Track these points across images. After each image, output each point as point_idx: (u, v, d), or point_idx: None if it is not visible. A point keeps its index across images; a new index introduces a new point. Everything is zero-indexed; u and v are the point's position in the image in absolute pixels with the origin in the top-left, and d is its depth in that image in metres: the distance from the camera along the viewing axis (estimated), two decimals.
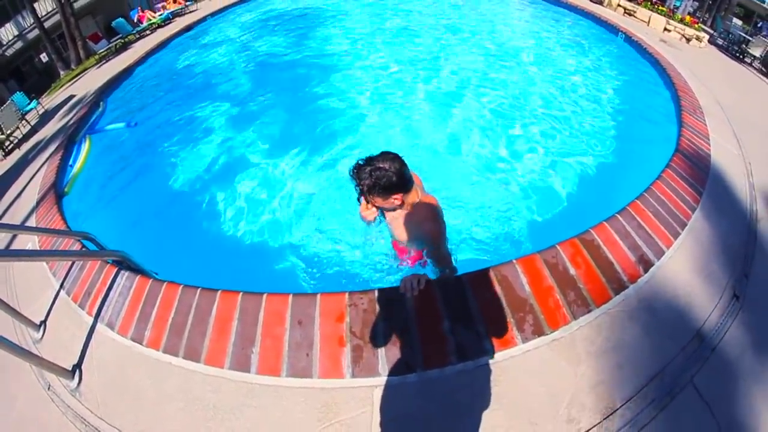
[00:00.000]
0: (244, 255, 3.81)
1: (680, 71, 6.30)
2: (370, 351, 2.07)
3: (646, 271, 2.57)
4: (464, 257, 3.38)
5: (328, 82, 6.85)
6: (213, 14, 13.66)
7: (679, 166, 3.61)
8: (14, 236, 4.53)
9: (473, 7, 10.53)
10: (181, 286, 2.58)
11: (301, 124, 5.76)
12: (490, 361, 2.06)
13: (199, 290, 2.46)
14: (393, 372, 2.01)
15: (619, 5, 9.80)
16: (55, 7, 18.93)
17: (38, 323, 3.27)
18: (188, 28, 12.62)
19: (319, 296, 2.21)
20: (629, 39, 7.66)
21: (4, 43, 23.98)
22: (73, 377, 2.78)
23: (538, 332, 2.16)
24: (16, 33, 24.13)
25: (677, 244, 2.84)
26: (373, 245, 3.28)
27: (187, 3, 17.56)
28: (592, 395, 2.00)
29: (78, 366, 2.81)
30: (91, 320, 2.97)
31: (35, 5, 19.65)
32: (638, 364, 2.14)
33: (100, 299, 3.02)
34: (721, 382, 2.20)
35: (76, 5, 20.42)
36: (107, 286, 3.03)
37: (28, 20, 22.19)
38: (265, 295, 2.27)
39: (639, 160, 4.36)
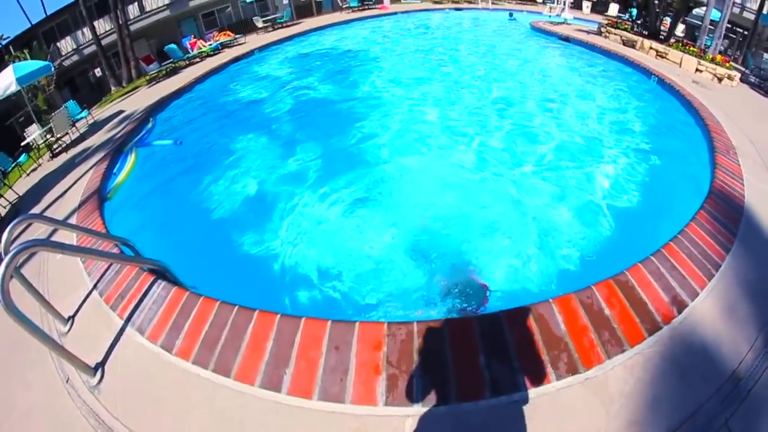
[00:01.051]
0: (281, 278, 3.88)
1: (713, 111, 6.29)
2: (405, 381, 2.07)
3: (680, 312, 2.58)
4: (501, 293, 3.42)
5: (367, 120, 7.11)
6: (260, 48, 14.44)
7: (712, 207, 3.63)
8: (53, 232, 4.70)
9: (509, 53, 11.00)
10: (219, 301, 2.63)
11: (340, 155, 5.97)
12: (524, 398, 2.06)
13: (237, 308, 2.52)
14: (427, 403, 2.01)
15: (651, 48, 9.87)
16: (113, 27, 20.33)
17: (67, 317, 3.34)
18: (235, 60, 13.36)
19: (357, 324, 2.24)
20: (662, 81, 7.77)
21: (63, 54, 25.73)
22: (94, 374, 2.80)
23: (572, 371, 2.17)
24: (74, 46, 25.93)
25: (711, 286, 2.84)
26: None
27: (237, 36, 18.72)
28: None
29: (101, 364, 2.84)
30: (121, 323, 3.02)
31: (95, 23, 21.08)
32: (671, 405, 2.10)
33: (133, 304, 3.08)
34: (757, 426, 2.12)
35: (132, 28, 21.96)
36: (142, 292, 3.10)
37: (87, 36, 23.76)
38: (303, 319, 2.32)
39: (673, 202, 4.41)
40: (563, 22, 13.91)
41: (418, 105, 7.65)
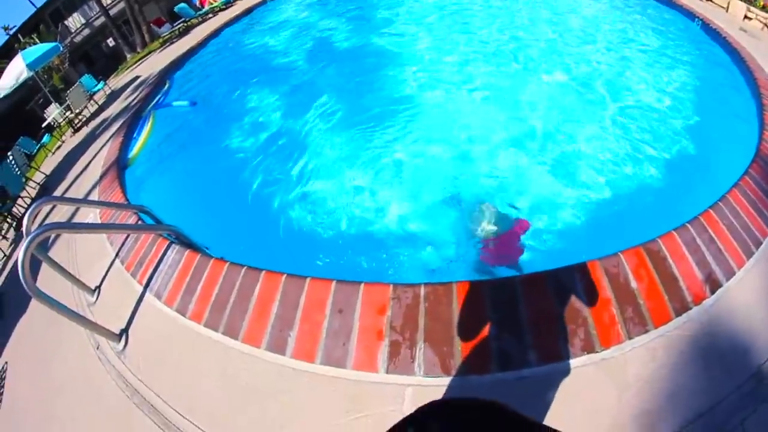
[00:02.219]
0: (296, 237, 3.88)
1: (762, 64, 5.64)
2: (408, 348, 2.03)
3: (712, 292, 2.32)
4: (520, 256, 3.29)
5: (391, 67, 6.75)
6: None
7: (758, 174, 3.21)
8: (76, 210, 4.91)
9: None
10: (228, 263, 2.66)
11: (361, 110, 5.72)
12: (533, 374, 1.97)
13: (244, 269, 2.54)
14: (428, 373, 1.97)
15: None
16: None
17: (93, 288, 3.53)
18: (248, 11, 12.95)
19: (362, 285, 2.20)
20: (706, 26, 6.98)
21: (73, 30, 25.99)
22: (119, 340, 2.98)
23: (588, 349, 2.03)
24: (84, 21, 26.08)
25: (750, 265, 2.54)
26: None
27: None
28: (634, 425, 1.86)
29: (125, 330, 3.00)
30: (140, 289, 3.16)
31: None
32: (688, 397, 1.95)
33: (150, 270, 3.20)
34: None
35: None
36: (158, 258, 3.20)
37: (95, 8, 23.76)
38: (308, 279, 2.30)
39: (714, 164, 3.99)
40: None
41: (444, 47, 7.20)
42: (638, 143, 4.52)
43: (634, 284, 2.23)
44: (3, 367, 4.78)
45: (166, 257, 3.13)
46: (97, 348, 3.28)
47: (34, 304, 4.89)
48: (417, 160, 4.51)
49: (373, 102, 5.73)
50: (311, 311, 2.19)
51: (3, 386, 4.59)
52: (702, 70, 5.87)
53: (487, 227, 3.57)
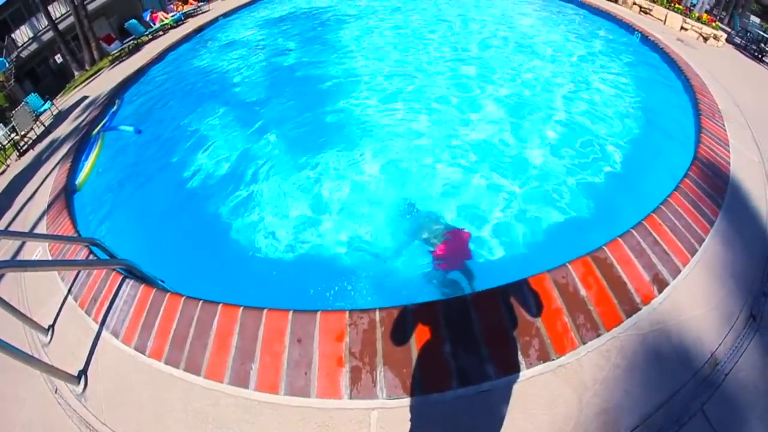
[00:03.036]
0: (249, 265, 3.86)
1: (698, 72, 6.07)
2: (369, 372, 2.07)
3: (660, 291, 2.48)
4: (470, 274, 3.37)
5: (342, 85, 6.87)
6: (225, 15, 13.78)
7: (697, 176, 3.46)
8: (22, 243, 4.67)
9: (482, 3, 10.47)
10: (184, 297, 2.62)
11: (314, 130, 5.79)
12: (493, 387, 2.04)
13: (201, 303, 2.50)
14: (392, 395, 2.01)
15: (634, 3, 9.61)
16: (69, 9, 19.36)
17: (47, 327, 3.36)
18: (200, 30, 12.77)
19: (319, 314, 2.21)
20: (645, 38, 7.48)
21: (19, 45, 24.69)
22: (78, 382, 2.86)
23: (544, 357, 2.12)
24: (31, 35, 24.83)
25: (694, 262, 2.73)
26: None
27: (200, 4, 17.83)
28: (596, 423, 1.96)
29: (84, 372, 2.88)
30: (96, 327, 3.04)
31: (49, 8, 20.05)
32: (647, 391, 2.08)
33: (105, 306, 3.08)
34: (734, 411, 2.13)
35: (89, 6, 20.86)
36: (113, 293, 3.09)
37: (43, 22, 22.70)
38: (265, 311, 2.29)
39: (655, 169, 4.27)
40: None
41: (391, 70, 7.35)
42: (582, 153, 4.73)
43: (583, 292, 2.35)
44: None
45: (121, 292, 3.03)
46: (56, 392, 3.14)
47: None
48: (368, 183, 4.60)
49: (324, 125, 5.83)
50: (271, 342, 2.18)
51: None
52: (642, 80, 6.26)
53: (434, 235, 3.71)
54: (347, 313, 2.18)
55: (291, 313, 2.23)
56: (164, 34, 14.68)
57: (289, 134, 5.76)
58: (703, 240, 2.92)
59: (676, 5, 9.35)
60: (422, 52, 7.84)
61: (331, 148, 5.16)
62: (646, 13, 9.39)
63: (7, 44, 23.93)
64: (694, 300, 2.52)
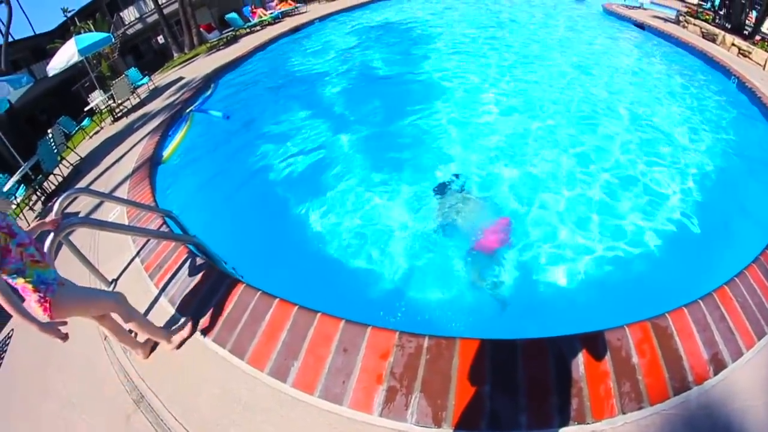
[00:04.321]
0: (314, 265, 3.98)
1: None
2: (404, 395, 2.11)
3: (716, 373, 2.31)
4: (523, 320, 3.32)
5: (430, 100, 6.93)
6: (321, 18, 14.47)
7: None
8: (101, 202, 5.12)
9: (577, 38, 10.39)
10: (244, 285, 2.80)
11: (393, 141, 5.87)
12: None
13: (258, 293, 2.67)
14: (420, 422, 2.04)
15: (733, 44, 8.88)
16: None
17: (110, 281, 3.68)
18: (296, 29, 13.53)
19: (369, 329, 2.30)
20: (742, 85, 6.93)
21: (126, 23, 27.37)
22: None
23: (579, 419, 2.06)
24: (137, 16, 27.48)
25: (759, 346, 2.50)
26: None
27: (298, 5, 18.94)
28: None
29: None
30: (156, 292, 3.30)
31: None
32: None
33: (168, 276, 3.34)
34: None
35: None
36: (177, 265, 3.35)
37: (150, 5, 25.02)
38: (318, 315, 2.41)
39: (735, 236, 3.93)
40: (639, 7, 12.83)
41: (477, 95, 7.34)
42: (659, 209, 4.46)
43: (635, 359, 2.26)
44: (8, 334, 4.97)
45: (185, 266, 3.28)
46: (105, 339, 3.41)
47: None
48: (444, 204, 4.56)
49: (405, 138, 5.88)
50: (317, 345, 2.29)
51: (6, 351, 4.78)
52: (734, 132, 5.83)
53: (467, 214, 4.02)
54: (397, 334, 2.25)
55: (343, 322, 2.33)
56: (261, 29, 15.70)
57: (369, 143, 5.88)
58: None
59: None
60: (511, 75, 7.82)
61: (409, 163, 5.22)
62: (745, 56, 8.62)
63: (115, 21, 26.63)
64: (751, 389, 2.31)
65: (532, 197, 4.67)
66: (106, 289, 3.70)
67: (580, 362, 2.23)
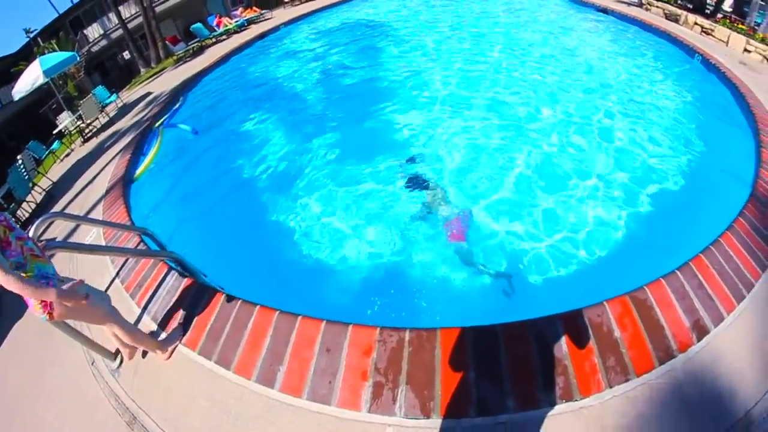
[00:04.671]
0: (289, 270, 4.00)
1: (761, 99, 5.66)
2: (391, 390, 2.15)
3: (699, 339, 2.38)
4: (501, 303, 3.38)
5: (395, 97, 7.03)
6: (286, 23, 14.43)
7: (753, 215, 3.23)
8: (77, 225, 5.06)
9: (538, 21, 10.58)
10: (224, 294, 2.82)
11: (367, 140, 5.95)
12: (510, 420, 2.06)
13: (239, 302, 2.69)
14: (409, 414, 2.09)
15: (696, 23, 9.20)
16: (138, 10, 20.98)
17: None
18: (262, 36, 13.47)
19: (350, 327, 2.33)
20: (706, 61, 7.19)
21: (90, 40, 26.88)
22: (115, 359, 3.11)
23: (567, 397, 2.12)
24: (102, 32, 27.04)
25: (739, 310, 2.59)
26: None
27: (263, 11, 18.83)
28: None
29: (120, 351, 3.09)
30: (138, 311, 3.29)
31: (120, 8, 21.79)
32: None
33: (150, 293, 3.34)
34: None
35: (157, 9, 22.55)
36: (158, 282, 3.34)
37: (114, 21, 24.66)
38: (299, 318, 2.44)
39: (707, 204, 4.02)
40: None
41: (442, 85, 7.44)
42: (630, 183, 4.57)
43: (617, 333, 2.32)
44: None
45: (165, 282, 3.28)
46: (92, 364, 3.40)
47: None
48: (414, 198, 4.66)
49: (374, 139, 5.95)
50: (301, 348, 2.32)
51: None
52: (699, 106, 6.00)
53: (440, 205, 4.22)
54: (378, 329, 2.29)
55: (324, 323, 2.37)
56: (227, 38, 15.56)
57: (337, 143, 5.95)
58: (753, 286, 2.75)
59: (739, 26, 8.78)
60: (471, 62, 7.95)
61: (378, 160, 5.28)
62: (707, 34, 8.90)
63: (79, 38, 26.14)
64: (735, 351, 2.39)
65: (498, 179, 4.78)
66: None
67: (563, 342, 2.29)
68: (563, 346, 2.28)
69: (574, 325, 2.35)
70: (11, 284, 1.97)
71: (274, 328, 2.45)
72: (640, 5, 10.94)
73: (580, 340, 2.30)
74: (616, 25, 10.05)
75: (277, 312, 2.51)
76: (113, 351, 3.14)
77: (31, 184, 8.21)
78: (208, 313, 2.79)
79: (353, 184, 4.97)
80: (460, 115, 6.24)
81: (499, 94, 6.78)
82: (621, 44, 8.81)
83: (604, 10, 10.85)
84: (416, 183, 4.77)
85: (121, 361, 3.11)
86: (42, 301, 2.18)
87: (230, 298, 2.78)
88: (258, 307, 2.61)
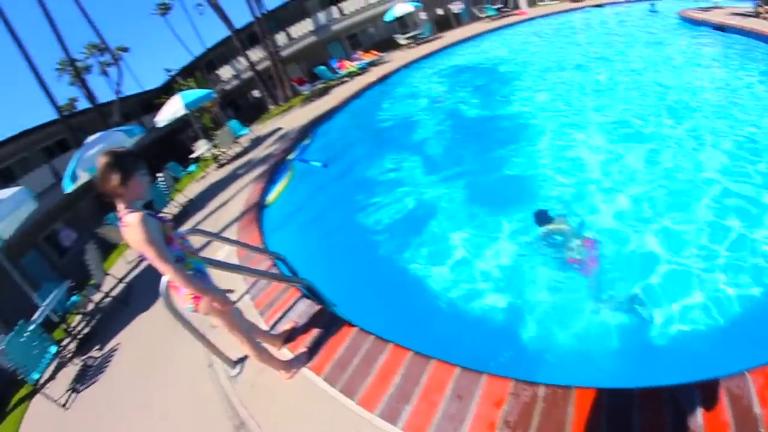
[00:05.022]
0: (421, 309, 4.12)
1: None
2: None
3: None
4: (637, 365, 3.16)
5: (522, 136, 6.97)
6: (406, 65, 15.39)
7: None
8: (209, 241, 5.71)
9: (661, 54, 9.75)
10: (357, 328, 3.01)
11: (491, 183, 5.95)
12: None
13: (372, 337, 2.86)
14: None
15: None
16: (265, 55, 23.96)
17: None
18: (383, 78, 14.53)
19: (485, 377, 2.35)
20: None
21: (223, 80, 31.35)
22: (235, 367, 3.42)
23: None
24: (233, 73, 31.46)
25: None
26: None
27: (382, 55, 20.39)
28: None
29: (242, 360, 3.45)
30: (266, 329, 3.58)
31: (248, 52, 25.16)
32: None
33: (279, 314, 3.66)
34: None
35: (283, 53, 25.66)
36: (288, 305, 3.67)
37: (244, 63, 28.44)
38: (433, 361, 2.52)
39: None
40: (714, 6, 11.40)
41: (570, 123, 7.25)
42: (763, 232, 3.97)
43: (757, 409, 2.11)
44: (114, 347, 5.65)
45: (295, 307, 3.59)
46: (210, 366, 3.76)
47: (160, 302, 5.59)
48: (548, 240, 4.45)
49: (502, 181, 5.92)
50: (431, 391, 2.40)
51: (110, 361, 5.40)
52: None
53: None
54: (513, 382, 2.28)
55: (458, 369, 2.42)
56: (350, 80, 17.04)
57: (465, 184, 5.96)
58: None
59: None
60: (603, 105, 7.54)
61: (511, 209, 5.14)
62: None
63: (212, 78, 30.73)
64: None
65: (642, 224, 4.44)
66: (214, 322, 4.12)
67: (698, 413, 2.10)
68: (698, 417, 2.08)
69: (712, 395, 2.14)
70: (174, 274, 2.33)
71: (406, 367, 2.56)
72: (756, 15, 9.59)
73: (716, 412, 2.08)
74: (737, 43, 8.98)
75: (411, 352, 2.62)
76: (234, 359, 3.45)
77: (168, 199, 9.59)
78: (337, 341, 2.99)
79: (482, 226, 4.96)
80: (596, 151, 6.03)
81: (636, 129, 6.40)
82: (743, 67, 7.82)
83: (721, 28, 9.84)
84: (544, 219, 4.68)
85: (241, 371, 3.41)
86: (193, 294, 2.52)
87: (363, 332, 2.96)
88: (391, 344, 2.74)
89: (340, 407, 2.64)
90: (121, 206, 2.35)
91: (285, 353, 3.25)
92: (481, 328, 3.72)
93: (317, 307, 3.47)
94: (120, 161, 2.29)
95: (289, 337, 3.34)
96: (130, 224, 2.28)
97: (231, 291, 2.59)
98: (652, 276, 3.82)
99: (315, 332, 3.22)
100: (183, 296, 2.58)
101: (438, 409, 2.31)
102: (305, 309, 3.53)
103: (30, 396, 6.24)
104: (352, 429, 2.49)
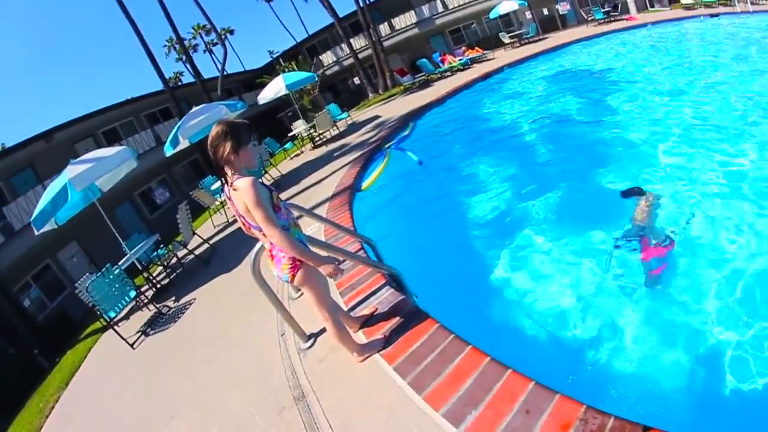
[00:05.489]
0: (507, 316, 4.14)
1: None
2: None
3: None
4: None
5: (631, 146, 6.66)
6: (510, 65, 15.08)
7: None
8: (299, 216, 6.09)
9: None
10: (438, 324, 3.12)
11: (589, 198, 5.74)
12: None
13: (452, 336, 2.95)
14: None
15: None
16: (367, 43, 24.67)
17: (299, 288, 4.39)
18: (487, 76, 14.41)
19: (558, 396, 2.35)
20: None
21: (324, 65, 32.90)
22: (307, 341, 3.67)
23: None
24: (334, 59, 32.87)
25: None
26: None
27: (485, 52, 20.15)
28: None
29: (315, 336, 3.70)
30: (345, 309, 3.77)
31: (351, 40, 26.04)
32: None
33: (360, 297, 3.88)
34: None
35: (385, 44, 26.29)
36: (371, 290, 3.88)
37: (345, 50, 29.60)
38: (509, 371, 2.56)
39: None
40: None
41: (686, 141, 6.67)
42: None
43: None
44: (189, 301, 6.25)
45: (378, 293, 3.78)
46: (281, 335, 4.06)
47: (242, 267, 6.25)
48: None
49: (597, 198, 5.71)
50: (500, 400, 2.45)
51: (184, 312, 5.96)
52: None
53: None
54: (584, 408, 2.25)
55: (532, 383, 2.45)
56: (452, 75, 17.06)
57: (564, 194, 5.77)
58: None
59: None
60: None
61: (597, 220, 5.02)
62: None
63: (315, 62, 32.37)
64: None
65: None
66: (294, 295, 4.45)
67: None
68: None
69: None
70: (280, 237, 2.50)
71: (480, 372, 2.63)
72: None
73: None
74: None
75: (488, 358, 2.69)
76: (307, 333, 3.69)
77: (263, 171, 10.33)
78: (415, 334, 3.12)
79: (576, 240, 4.81)
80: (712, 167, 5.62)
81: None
82: None
83: None
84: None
85: (312, 345, 3.63)
86: (292, 263, 2.71)
87: (443, 330, 3.07)
88: (470, 347, 2.82)
89: (405, 399, 2.74)
90: (229, 173, 2.59)
91: (360, 336, 3.43)
92: (560, 344, 3.68)
93: (400, 297, 3.61)
94: (234, 131, 2.53)
95: (367, 321, 3.52)
96: (240, 188, 2.49)
97: (343, 260, 2.74)
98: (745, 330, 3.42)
99: (394, 321, 3.37)
100: (282, 265, 2.75)
101: (503, 420, 2.35)
102: (387, 297, 3.69)
103: (103, 330, 7.13)
104: (412, 422, 2.58)
